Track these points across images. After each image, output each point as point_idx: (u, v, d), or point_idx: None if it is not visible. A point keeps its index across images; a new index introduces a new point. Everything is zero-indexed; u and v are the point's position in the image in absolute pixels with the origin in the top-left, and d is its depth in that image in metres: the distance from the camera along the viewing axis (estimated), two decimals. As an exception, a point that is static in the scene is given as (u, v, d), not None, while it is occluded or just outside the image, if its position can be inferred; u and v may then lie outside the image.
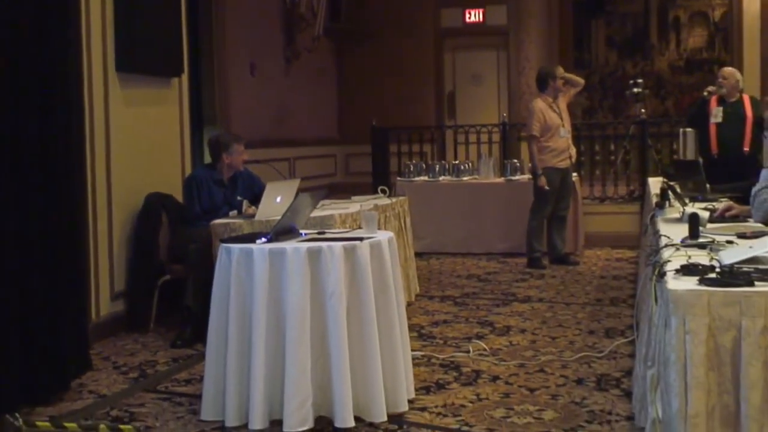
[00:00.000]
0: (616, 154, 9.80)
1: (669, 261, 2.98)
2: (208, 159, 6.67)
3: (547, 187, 7.89)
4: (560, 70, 8.07)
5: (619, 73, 12.98)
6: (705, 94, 7.33)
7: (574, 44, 13.17)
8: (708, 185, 5.15)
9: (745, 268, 2.76)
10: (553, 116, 7.89)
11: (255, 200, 5.68)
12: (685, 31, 12.88)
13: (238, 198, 5.93)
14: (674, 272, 2.79)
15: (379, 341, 3.83)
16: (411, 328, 5.16)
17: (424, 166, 9.50)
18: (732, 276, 2.67)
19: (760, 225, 3.81)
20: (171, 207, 6.13)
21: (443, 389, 4.31)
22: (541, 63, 12.55)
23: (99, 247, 5.64)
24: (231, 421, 3.79)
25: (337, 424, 3.72)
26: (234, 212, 5.71)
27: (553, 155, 7.91)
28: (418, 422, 3.85)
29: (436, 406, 4.04)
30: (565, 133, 7.95)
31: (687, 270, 2.78)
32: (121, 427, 3.85)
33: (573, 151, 8.13)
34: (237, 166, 5.98)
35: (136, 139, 6.02)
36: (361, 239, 3.87)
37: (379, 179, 9.95)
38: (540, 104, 7.94)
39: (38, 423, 3.90)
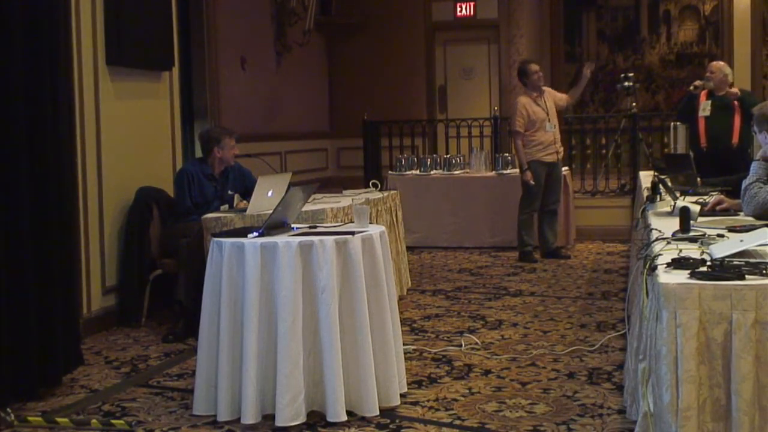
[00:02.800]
0: (607, 148, 9.82)
1: (660, 255, 2.99)
2: (199, 153, 6.67)
3: (532, 182, 7.90)
4: (534, 66, 8.07)
5: (610, 67, 12.99)
6: (692, 88, 7.35)
7: (565, 38, 13.16)
8: (698, 179, 5.16)
9: (736, 261, 2.77)
10: (537, 110, 7.92)
11: (246, 194, 5.68)
12: (675, 25, 12.89)
13: (229, 192, 5.93)
14: (665, 266, 2.80)
15: (371, 335, 3.83)
16: (403, 322, 5.17)
17: (415, 159, 9.51)
18: (723, 270, 2.68)
19: (750, 219, 3.82)
20: (162, 201, 6.12)
21: (435, 383, 4.32)
22: (532, 56, 12.56)
23: (90, 241, 5.62)
24: (223, 416, 3.79)
25: (330, 419, 3.72)
26: (225, 206, 5.71)
27: (538, 149, 7.93)
28: (411, 416, 3.85)
29: (429, 400, 4.05)
30: (551, 127, 7.97)
31: (678, 264, 2.79)
32: (113, 421, 3.86)
33: (560, 147, 8.12)
34: (228, 161, 5.97)
35: (126, 132, 6.01)
36: (352, 233, 3.87)
37: (371, 173, 9.94)
38: (523, 99, 7.98)
39: (30, 418, 3.90)
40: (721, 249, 2.93)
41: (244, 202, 5.60)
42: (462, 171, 9.28)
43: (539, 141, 7.92)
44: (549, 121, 7.94)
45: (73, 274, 4.66)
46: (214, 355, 3.83)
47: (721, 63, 7.53)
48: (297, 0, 11.68)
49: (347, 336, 3.79)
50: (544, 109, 7.95)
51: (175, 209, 5.95)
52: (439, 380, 4.37)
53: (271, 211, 4.13)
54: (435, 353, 4.87)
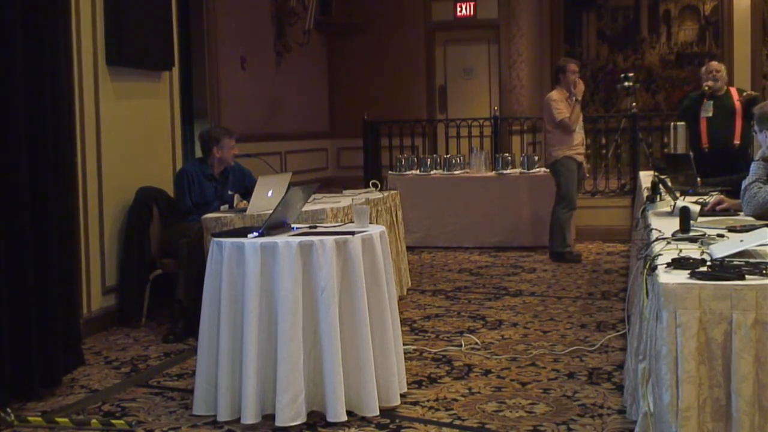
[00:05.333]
0: (608, 148, 9.82)
1: (660, 255, 2.99)
2: (199, 153, 6.66)
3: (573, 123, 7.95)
4: (573, 66, 8.05)
5: (610, 67, 12.99)
6: (705, 88, 7.29)
7: (565, 38, 13.16)
8: (699, 179, 5.16)
9: (736, 261, 2.77)
10: (568, 109, 7.91)
11: (246, 194, 5.68)
12: (675, 25, 12.89)
13: (229, 192, 5.93)
14: (665, 266, 2.80)
15: (371, 335, 3.83)
16: (403, 322, 5.17)
17: (415, 159, 9.51)
18: (723, 269, 2.68)
19: (750, 219, 3.82)
20: (162, 201, 6.12)
21: (435, 383, 4.32)
22: (532, 56, 12.58)
23: (90, 241, 5.62)
24: (223, 416, 3.79)
25: (330, 419, 3.72)
26: (225, 206, 5.71)
27: (570, 146, 7.93)
28: (411, 416, 3.85)
29: (429, 400, 4.05)
30: (579, 128, 7.98)
31: (678, 264, 2.79)
32: (114, 422, 3.86)
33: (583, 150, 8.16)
34: (228, 161, 5.97)
35: (126, 132, 6.00)
36: (352, 233, 3.87)
37: (371, 173, 9.94)
38: (556, 95, 7.97)
39: (30, 418, 3.90)
40: (721, 249, 2.93)
41: (244, 202, 5.60)
42: (462, 171, 9.28)
43: (572, 139, 7.92)
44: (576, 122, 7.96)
45: (73, 274, 4.66)
46: (214, 355, 3.83)
47: (719, 63, 7.53)
48: (297, 0, 11.68)
49: (347, 336, 3.79)
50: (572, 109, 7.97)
51: (174, 209, 5.95)
52: (439, 380, 4.36)
53: (271, 211, 4.13)
54: (435, 353, 4.87)
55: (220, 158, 5.93)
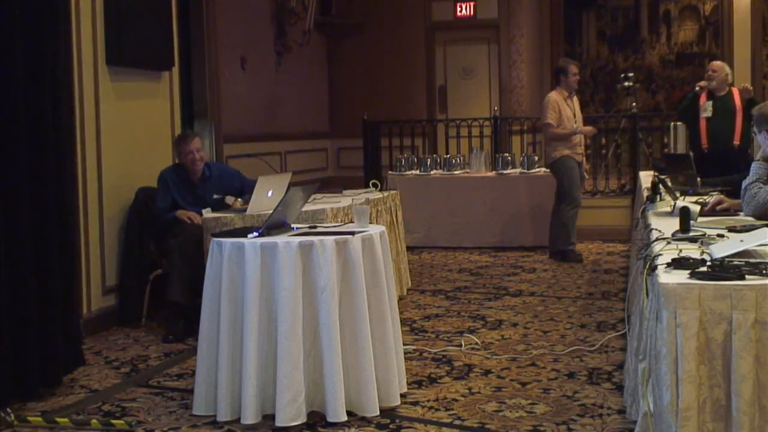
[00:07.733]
0: (608, 148, 9.82)
1: (660, 255, 2.99)
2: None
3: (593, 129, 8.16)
4: (574, 68, 8.05)
5: (610, 67, 13.00)
6: (697, 89, 7.33)
7: (565, 38, 13.18)
8: (699, 179, 5.17)
9: (736, 261, 2.77)
10: (566, 110, 7.93)
11: (239, 195, 5.69)
12: (675, 25, 12.91)
13: (215, 196, 5.84)
14: (665, 266, 2.81)
15: (371, 335, 3.83)
16: (403, 322, 5.17)
17: (415, 160, 9.50)
18: (723, 270, 2.68)
19: (750, 219, 3.83)
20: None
21: (435, 383, 4.32)
22: (532, 56, 12.58)
23: (90, 241, 5.62)
24: (223, 416, 3.79)
25: (330, 419, 3.72)
26: (207, 209, 5.59)
27: (569, 145, 7.93)
28: (411, 416, 3.85)
29: (429, 400, 4.05)
30: (578, 128, 8.01)
31: (678, 264, 2.79)
32: (113, 422, 3.86)
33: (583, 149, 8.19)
34: (189, 165, 5.87)
35: (126, 133, 6.00)
36: (352, 233, 3.87)
37: (371, 173, 9.94)
38: (555, 96, 7.97)
39: (30, 418, 3.90)
40: (721, 249, 2.93)
41: (239, 201, 5.60)
42: (462, 171, 9.28)
43: (570, 139, 7.93)
44: (576, 123, 7.96)
45: (73, 274, 4.65)
46: (214, 355, 3.83)
47: (722, 62, 7.54)
48: (297, 0, 11.68)
49: (347, 336, 3.79)
50: (572, 110, 7.97)
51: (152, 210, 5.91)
52: (439, 380, 4.36)
53: (271, 211, 4.13)
54: (435, 353, 4.87)
55: (184, 164, 5.90)
